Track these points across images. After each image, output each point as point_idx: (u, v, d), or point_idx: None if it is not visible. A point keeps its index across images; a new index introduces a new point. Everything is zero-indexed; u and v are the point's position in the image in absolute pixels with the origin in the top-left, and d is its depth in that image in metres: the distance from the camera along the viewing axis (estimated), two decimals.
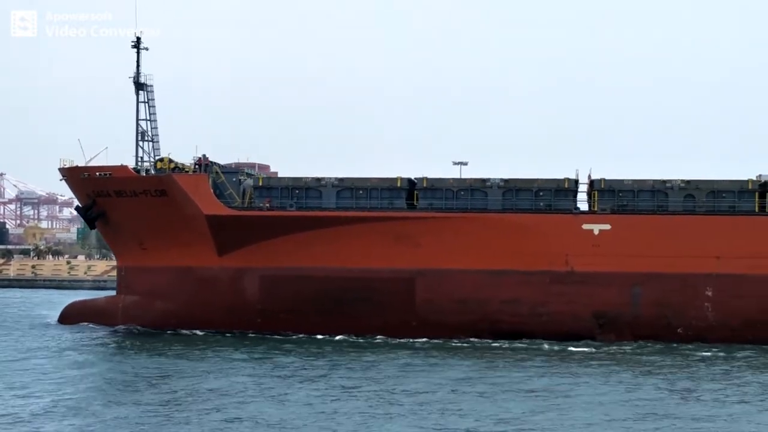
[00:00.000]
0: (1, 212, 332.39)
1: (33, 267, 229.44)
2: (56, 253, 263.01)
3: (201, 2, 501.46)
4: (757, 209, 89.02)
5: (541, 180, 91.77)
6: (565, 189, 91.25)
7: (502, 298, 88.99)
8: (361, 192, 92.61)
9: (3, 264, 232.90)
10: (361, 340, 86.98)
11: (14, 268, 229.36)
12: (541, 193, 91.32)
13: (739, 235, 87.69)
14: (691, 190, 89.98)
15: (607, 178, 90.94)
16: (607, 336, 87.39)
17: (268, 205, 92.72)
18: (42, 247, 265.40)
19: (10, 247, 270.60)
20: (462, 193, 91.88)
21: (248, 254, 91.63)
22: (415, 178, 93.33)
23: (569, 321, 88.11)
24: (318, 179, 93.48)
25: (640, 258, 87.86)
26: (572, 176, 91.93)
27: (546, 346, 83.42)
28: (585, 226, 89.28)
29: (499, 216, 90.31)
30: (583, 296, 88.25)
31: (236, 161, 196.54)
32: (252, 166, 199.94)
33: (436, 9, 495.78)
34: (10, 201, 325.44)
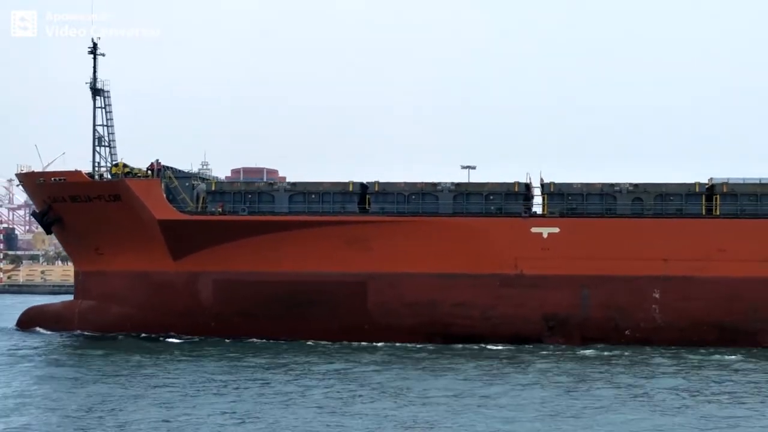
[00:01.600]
0: (11, 218, 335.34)
1: (42, 272, 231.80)
2: (65, 259, 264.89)
3: (203, 3, 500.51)
4: (704, 212, 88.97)
5: (491, 184, 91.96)
6: (515, 193, 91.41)
7: (453, 301, 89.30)
8: (313, 196, 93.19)
9: (12, 270, 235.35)
10: (311, 343, 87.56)
11: (23, 273, 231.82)
12: (491, 197, 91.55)
13: (687, 237, 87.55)
14: (639, 193, 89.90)
15: (556, 181, 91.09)
16: (556, 339, 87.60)
17: (220, 209, 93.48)
18: (51, 253, 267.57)
19: (19, 252, 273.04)
20: (413, 197, 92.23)
21: (202, 258, 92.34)
22: (367, 182, 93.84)
23: (519, 324, 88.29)
24: (270, 183, 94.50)
25: (589, 261, 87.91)
26: (523, 180, 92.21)
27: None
28: (534, 230, 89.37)
29: (450, 220, 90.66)
30: (532, 299, 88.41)
31: (244, 166, 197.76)
32: (260, 171, 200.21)
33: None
34: (19, 207, 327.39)
